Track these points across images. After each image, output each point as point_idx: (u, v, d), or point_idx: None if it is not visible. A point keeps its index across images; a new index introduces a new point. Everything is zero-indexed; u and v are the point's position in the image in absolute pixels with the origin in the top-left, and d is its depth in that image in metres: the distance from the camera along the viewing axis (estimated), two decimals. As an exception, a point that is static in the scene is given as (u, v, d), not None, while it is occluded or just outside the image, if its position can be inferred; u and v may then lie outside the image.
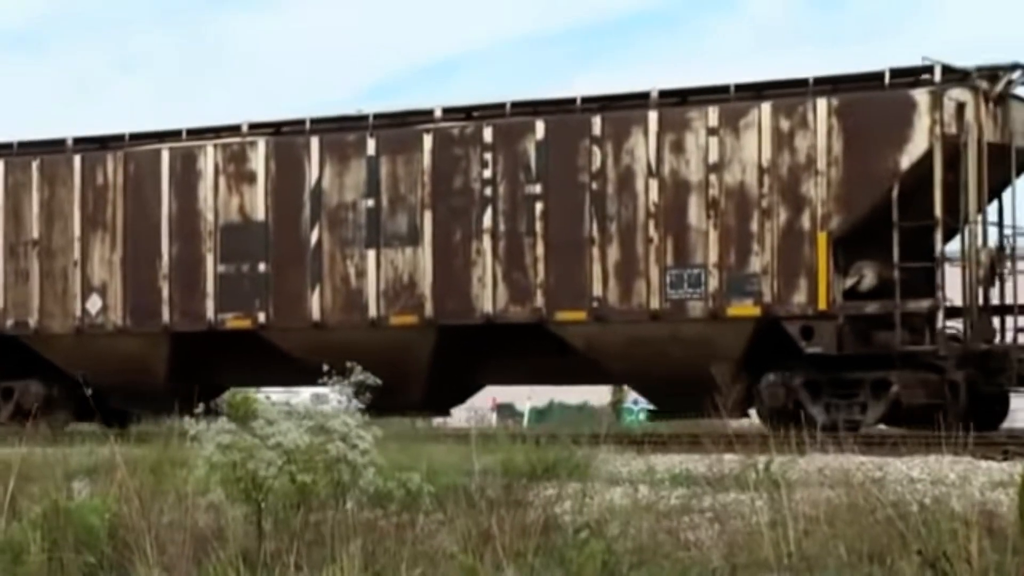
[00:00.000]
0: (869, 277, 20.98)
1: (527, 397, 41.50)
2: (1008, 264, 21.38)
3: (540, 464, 14.63)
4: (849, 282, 21.06)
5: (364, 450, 11.15)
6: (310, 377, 25.03)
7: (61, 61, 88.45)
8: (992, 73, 21.15)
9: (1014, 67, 21.31)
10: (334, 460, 11.08)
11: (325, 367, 12.79)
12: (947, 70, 20.75)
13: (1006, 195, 22.05)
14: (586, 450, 15.92)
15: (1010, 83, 21.30)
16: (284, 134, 24.66)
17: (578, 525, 11.34)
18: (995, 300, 21.66)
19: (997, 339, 21.65)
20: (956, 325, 21.31)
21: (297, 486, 11.06)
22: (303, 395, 27.67)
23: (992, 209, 22.10)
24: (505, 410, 43.87)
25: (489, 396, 35.17)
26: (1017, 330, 21.78)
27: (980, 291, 21.07)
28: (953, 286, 21.15)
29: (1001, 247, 21.34)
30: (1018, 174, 21.98)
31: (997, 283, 21.61)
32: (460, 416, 34.68)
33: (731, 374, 21.23)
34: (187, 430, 11.50)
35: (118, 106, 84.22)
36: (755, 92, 21.64)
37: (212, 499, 11.46)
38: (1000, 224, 22.08)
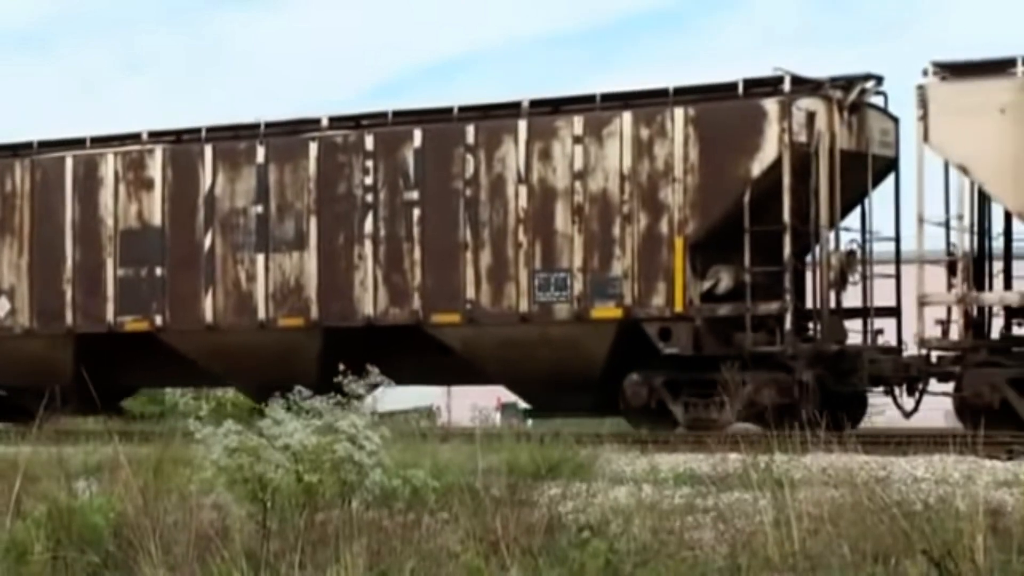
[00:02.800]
0: (725, 280, 21.69)
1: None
2: (860, 268, 22.04)
3: (544, 463, 14.80)
4: (706, 285, 21.78)
5: (371, 451, 11.25)
6: (208, 379, 26.10)
7: (65, 61, 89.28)
8: (846, 83, 21.86)
9: (867, 77, 22.02)
10: (341, 460, 11.15)
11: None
12: (797, 80, 21.45)
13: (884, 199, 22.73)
14: (590, 449, 16.16)
15: (864, 92, 22.01)
16: (183, 142, 25.45)
17: (582, 525, 11.46)
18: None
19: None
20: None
21: (303, 486, 11.14)
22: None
23: (856, 215, 22.88)
24: (510, 409, 44.45)
25: (494, 395, 35.60)
26: (875, 332, 22.49)
27: (831, 294, 21.72)
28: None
29: (851, 252, 22.01)
30: (877, 181, 22.67)
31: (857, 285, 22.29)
32: (464, 415, 35.40)
33: (597, 374, 22.12)
34: (191, 431, 11.52)
35: (122, 106, 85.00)
36: (619, 102, 22.37)
37: (216, 499, 11.64)
38: (863, 229, 22.79)
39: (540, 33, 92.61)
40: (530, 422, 24.84)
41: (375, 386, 12.59)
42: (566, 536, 11.12)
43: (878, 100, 22.58)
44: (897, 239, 22.73)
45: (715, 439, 15.98)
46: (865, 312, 22.40)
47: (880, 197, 23.03)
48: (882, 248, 22.99)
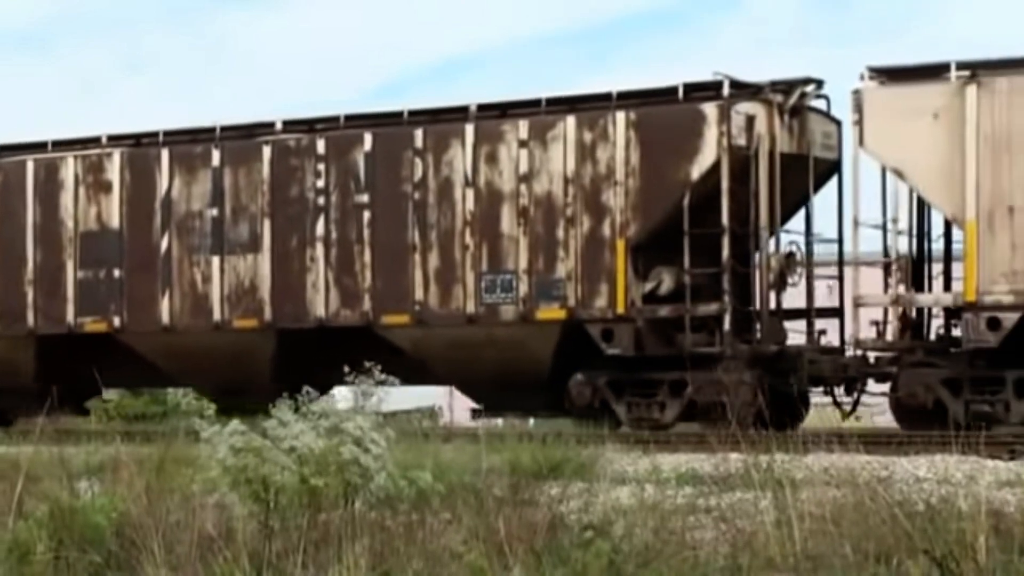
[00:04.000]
0: (667, 282, 22.00)
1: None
2: (800, 270, 22.34)
3: (547, 463, 14.82)
4: (648, 286, 22.09)
5: (377, 455, 11.23)
6: (166, 379, 26.43)
7: (66, 61, 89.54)
8: (787, 87, 22.17)
9: (807, 81, 22.34)
10: (347, 463, 11.12)
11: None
12: (736, 84, 21.76)
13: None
14: (592, 449, 16.22)
15: (804, 96, 22.31)
16: (143, 146, 25.79)
17: (584, 524, 11.45)
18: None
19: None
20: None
21: (308, 488, 11.10)
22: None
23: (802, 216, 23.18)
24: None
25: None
26: (819, 333, 22.80)
27: (771, 296, 22.02)
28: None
29: (791, 253, 22.30)
30: (820, 183, 22.97)
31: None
32: (466, 416, 35.53)
33: (544, 374, 22.44)
34: (196, 429, 11.48)
35: (124, 106, 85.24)
36: (565, 106, 22.68)
37: (219, 499, 11.51)
38: (807, 231, 23.08)
39: (542, 33, 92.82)
40: (532, 421, 25.04)
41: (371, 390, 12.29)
42: (569, 536, 11.13)
43: (821, 104, 22.88)
44: (840, 241, 23.03)
45: (717, 439, 16.00)
46: (808, 313, 22.71)
47: (828, 199, 23.35)
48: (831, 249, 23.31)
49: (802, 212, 23.16)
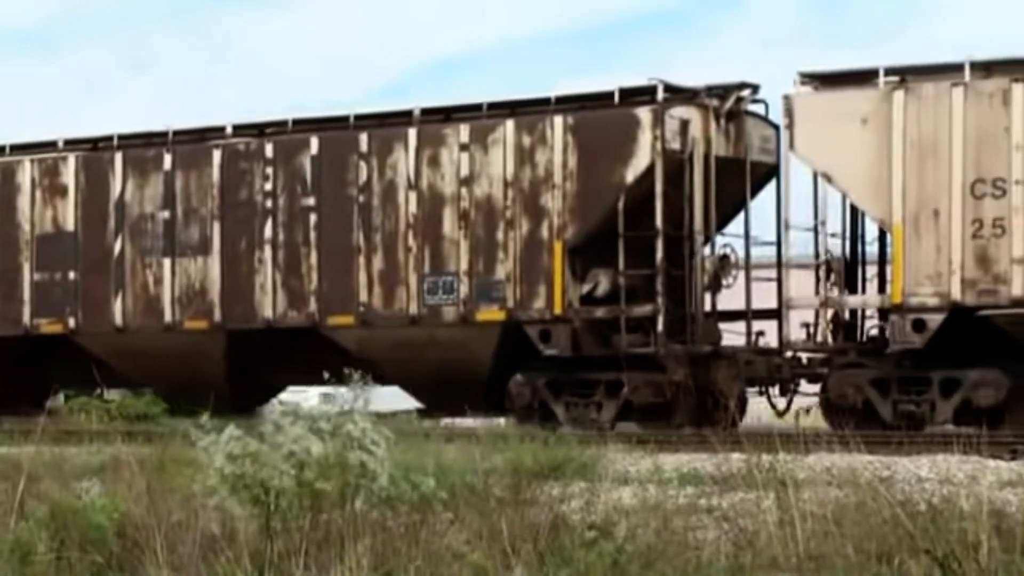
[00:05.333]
0: (604, 283, 22.35)
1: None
2: (734, 272, 22.70)
3: (548, 463, 14.78)
4: (586, 288, 22.45)
5: (381, 457, 11.19)
6: (120, 380, 26.80)
7: (69, 61, 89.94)
8: (723, 91, 22.52)
9: (743, 86, 22.68)
10: (349, 466, 11.06)
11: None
12: (671, 89, 22.11)
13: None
14: (594, 449, 16.23)
15: (740, 100, 22.66)
16: (99, 149, 26.19)
17: (586, 525, 11.42)
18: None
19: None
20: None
21: (309, 490, 11.01)
22: (310, 393, 29.12)
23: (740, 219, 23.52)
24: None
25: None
26: (757, 334, 23.13)
27: (706, 297, 22.36)
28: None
29: (725, 256, 22.65)
30: (758, 187, 23.31)
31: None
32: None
33: (485, 374, 22.79)
34: (192, 435, 11.40)
35: (127, 106, 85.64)
36: (505, 110, 23.05)
37: (220, 500, 11.39)
38: (746, 234, 23.42)
39: (543, 33, 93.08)
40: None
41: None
42: (571, 536, 11.10)
43: (759, 108, 23.24)
44: (778, 244, 23.32)
45: (718, 439, 16.07)
46: (746, 315, 23.04)
47: (769, 202, 23.69)
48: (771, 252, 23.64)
49: (742, 215, 23.50)
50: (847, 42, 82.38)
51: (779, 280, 23.34)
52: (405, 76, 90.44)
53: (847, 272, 22.23)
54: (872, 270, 22.60)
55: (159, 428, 21.31)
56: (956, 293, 20.40)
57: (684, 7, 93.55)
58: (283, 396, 30.98)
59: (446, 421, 29.55)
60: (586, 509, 12.16)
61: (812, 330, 21.67)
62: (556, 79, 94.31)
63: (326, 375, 13.22)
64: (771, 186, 23.49)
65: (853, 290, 22.28)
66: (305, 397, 28.62)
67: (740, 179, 22.80)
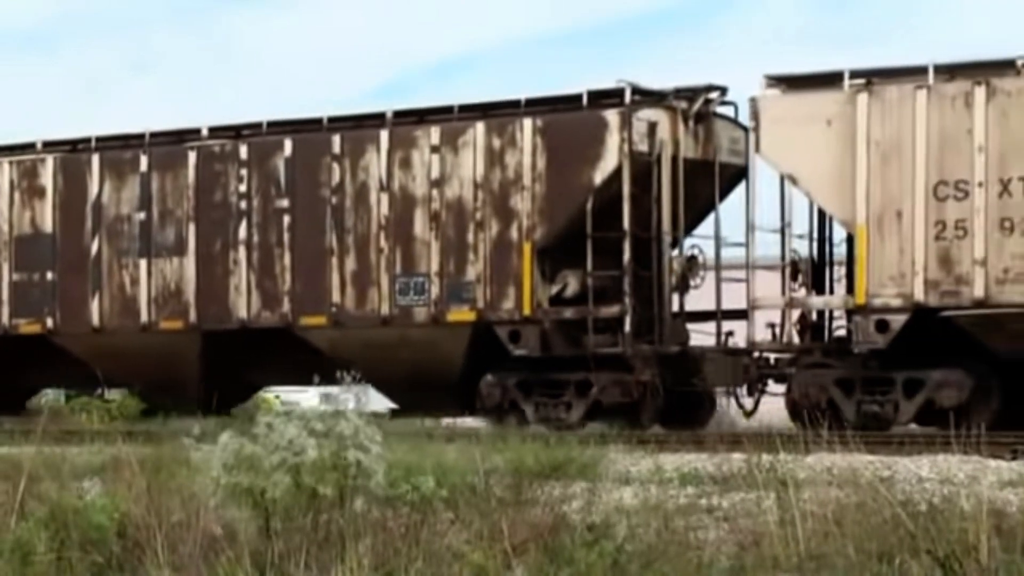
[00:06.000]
0: (573, 284, 22.53)
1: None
2: (702, 273, 22.87)
3: (550, 464, 14.79)
4: (555, 289, 22.63)
5: (377, 455, 11.12)
6: (98, 379, 26.96)
7: (71, 61, 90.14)
8: (691, 94, 22.69)
9: (710, 88, 22.85)
10: (346, 466, 10.99)
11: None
12: (639, 91, 22.29)
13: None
14: (595, 449, 16.26)
15: (708, 102, 22.83)
16: (78, 151, 26.40)
17: (586, 525, 11.45)
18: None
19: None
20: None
21: (306, 494, 10.98)
22: (310, 393, 29.40)
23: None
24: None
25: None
26: (727, 334, 23.28)
27: (674, 298, 22.54)
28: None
29: (692, 257, 22.82)
30: (728, 188, 23.46)
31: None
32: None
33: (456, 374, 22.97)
34: (188, 448, 11.64)
35: (130, 106, 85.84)
36: (476, 112, 23.23)
37: (220, 501, 11.40)
38: (716, 235, 23.58)
39: (545, 33, 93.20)
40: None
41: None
42: (571, 536, 11.14)
43: (729, 111, 23.39)
44: (747, 245, 23.44)
45: (720, 439, 16.11)
46: (716, 315, 23.19)
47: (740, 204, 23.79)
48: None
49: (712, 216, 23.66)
50: (854, 42, 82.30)
51: (748, 281, 23.49)
52: (405, 76, 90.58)
53: (816, 273, 22.41)
54: (841, 271, 22.77)
55: (161, 428, 21.39)
56: (919, 294, 20.55)
57: (690, 6, 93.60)
58: (284, 396, 31.46)
59: (447, 421, 29.70)
60: (587, 509, 12.25)
61: (778, 330, 21.82)
62: (556, 79, 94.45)
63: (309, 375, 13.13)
64: (741, 188, 23.66)
65: (822, 291, 22.44)
66: (306, 397, 29.02)
67: (709, 181, 22.97)
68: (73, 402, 27.68)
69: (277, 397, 32.79)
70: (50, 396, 30.08)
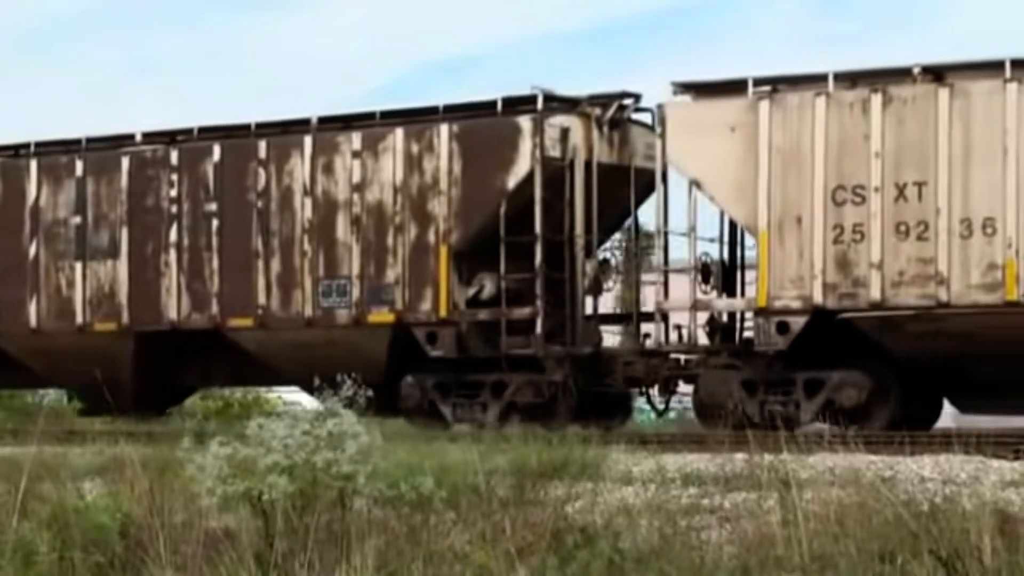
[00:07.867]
0: (489, 287, 23.02)
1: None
2: (615, 276, 23.37)
3: (552, 464, 14.92)
4: (471, 291, 23.13)
5: (352, 456, 11.10)
6: (37, 380, 27.51)
7: (71, 62, 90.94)
8: (605, 100, 23.18)
9: (624, 95, 23.33)
10: (324, 469, 11.07)
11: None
12: (552, 98, 22.79)
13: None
14: (597, 450, 16.32)
15: (623, 109, 23.31)
16: (18, 156, 26.94)
17: (588, 525, 11.51)
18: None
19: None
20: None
21: (301, 492, 11.08)
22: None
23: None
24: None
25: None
26: (644, 336, 23.75)
27: (586, 300, 23.02)
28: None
29: (605, 260, 23.32)
30: (646, 193, 23.92)
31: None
32: None
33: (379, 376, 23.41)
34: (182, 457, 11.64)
35: (129, 107, 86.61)
36: (397, 118, 23.74)
37: (219, 506, 11.51)
38: (633, 238, 24.04)
39: (546, 33, 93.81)
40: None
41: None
42: (573, 536, 11.19)
43: (645, 117, 23.86)
44: (666, 248, 23.92)
45: (720, 439, 16.29)
46: (635, 317, 23.67)
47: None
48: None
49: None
50: (854, 42, 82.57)
51: (667, 284, 23.97)
52: (405, 76, 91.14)
53: (726, 276, 22.88)
54: (752, 274, 23.22)
55: (162, 428, 21.71)
56: (818, 296, 21.02)
57: (695, 5, 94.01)
58: (285, 396, 31.90)
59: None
60: (589, 509, 12.41)
61: (687, 332, 22.27)
62: (556, 79, 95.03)
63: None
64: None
65: (732, 294, 22.91)
66: (307, 397, 29.45)
67: (625, 185, 23.43)
68: (75, 402, 28.30)
69: (279, 397, 33.40)
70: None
